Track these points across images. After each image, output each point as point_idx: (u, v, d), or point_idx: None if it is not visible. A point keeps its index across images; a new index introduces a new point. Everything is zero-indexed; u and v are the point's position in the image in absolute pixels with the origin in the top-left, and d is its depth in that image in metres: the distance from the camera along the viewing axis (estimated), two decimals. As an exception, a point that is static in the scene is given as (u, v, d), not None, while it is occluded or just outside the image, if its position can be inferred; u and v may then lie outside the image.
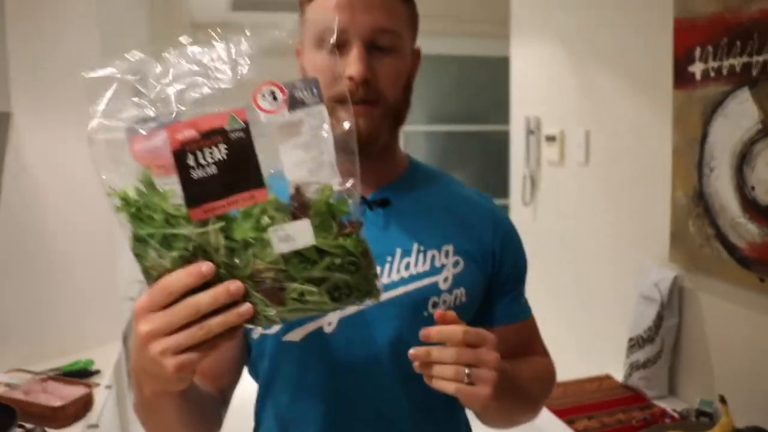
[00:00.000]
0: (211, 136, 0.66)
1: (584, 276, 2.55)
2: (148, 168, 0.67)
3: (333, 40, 0.83)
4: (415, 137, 5.38)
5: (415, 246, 0.98)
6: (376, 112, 0.92)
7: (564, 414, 1.85)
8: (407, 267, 0.97)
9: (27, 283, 2.22)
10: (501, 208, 1.12)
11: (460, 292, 0.99)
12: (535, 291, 2.99)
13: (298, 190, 0.69)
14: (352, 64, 0.90)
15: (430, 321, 0.92)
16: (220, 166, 0.66)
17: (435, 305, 0.96)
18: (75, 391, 1.73)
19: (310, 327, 0.93)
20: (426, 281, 0.96)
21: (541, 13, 2.83)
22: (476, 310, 1.04)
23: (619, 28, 2.27)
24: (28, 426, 1.62)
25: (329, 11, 0.91)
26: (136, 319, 0.69)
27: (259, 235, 0.67)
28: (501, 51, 3.11)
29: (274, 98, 0.69)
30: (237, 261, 0.67)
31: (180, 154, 0.66)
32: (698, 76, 1.81)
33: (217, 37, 0.72)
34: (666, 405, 1.90)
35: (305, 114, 0.69)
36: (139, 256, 0.69)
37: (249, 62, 0.71)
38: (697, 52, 1.80)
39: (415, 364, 0.79)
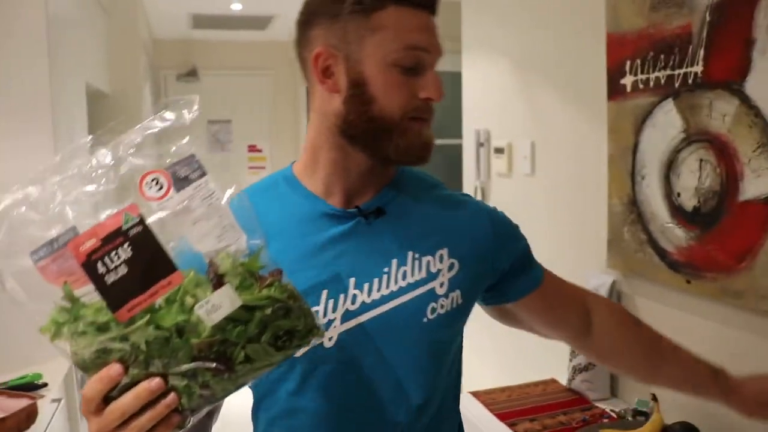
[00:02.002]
0: (112, 239, 0.69)
1: (532, 284, 2.60)
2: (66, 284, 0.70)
3: (413, 62, 0.94)
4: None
5: (410, 254, 1.00)
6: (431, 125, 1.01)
7: (507, 417, 1.89)
8: (404, 276, 0.98)
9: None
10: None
11: (456, 294, 1.01)
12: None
13: (211, 262, 0.72)
14: (434, 88, 0.98)
15: (430, 327, 0.98)
16: (130, 264, 0.69)
17: (433, 311, 0.99)
18: (18, 404, 1.73)
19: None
20: (423, 288, 0.99)
21: (489, 30, 2.91)
22: (471, 308, 1.07)
23: (558, 44, 2.35)
24: (-30, 439, 1.62)
25: (411, 32, 0.95)
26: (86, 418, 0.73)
27: (187, 317, 0.69)
28: (458, 66, 3.17)
29: (159, 185, 0.72)
30: (174, 349, 0.69)
31: (89, 265, 0.68)
32: (629, 88, 1.89)
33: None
34: (606, 406, 1.95)
35: (193, 189, 0.73)
36: (86, 369, 0.72)
37: (133, 154, 0.73)
38: (628, 65, 1.88)
39: None
